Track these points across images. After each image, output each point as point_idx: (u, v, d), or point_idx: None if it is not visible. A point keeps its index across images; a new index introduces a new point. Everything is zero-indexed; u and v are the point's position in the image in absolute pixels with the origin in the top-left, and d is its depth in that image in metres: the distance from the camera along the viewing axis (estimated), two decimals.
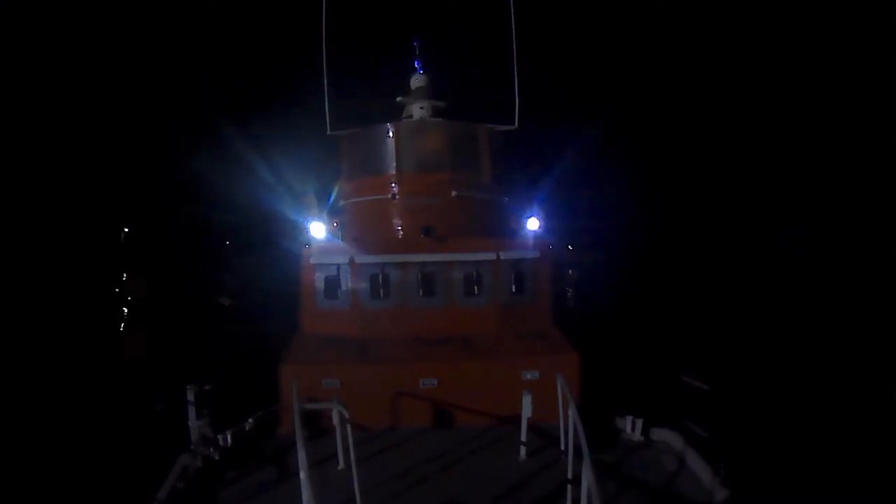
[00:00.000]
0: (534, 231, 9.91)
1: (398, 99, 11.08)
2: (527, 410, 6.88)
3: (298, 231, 10.44)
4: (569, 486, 5.91)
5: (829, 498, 9.75)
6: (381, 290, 8.97)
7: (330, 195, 11.09)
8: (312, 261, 9.29)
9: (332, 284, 9.18)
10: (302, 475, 4.01)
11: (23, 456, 12.36)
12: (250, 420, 8.76)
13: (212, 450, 7.48)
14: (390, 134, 9.90)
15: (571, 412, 5.53)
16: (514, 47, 11.00)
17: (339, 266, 9.08)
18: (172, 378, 7.62)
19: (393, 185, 9.69)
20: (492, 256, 9.00)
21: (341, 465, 6.55)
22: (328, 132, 11.03)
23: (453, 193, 9.60)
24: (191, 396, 7.25)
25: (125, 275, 65.29)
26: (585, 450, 4.56)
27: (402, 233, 9.68)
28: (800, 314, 33.22)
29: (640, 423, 8.17)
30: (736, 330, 28.01)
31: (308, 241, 9.83)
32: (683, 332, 26.49)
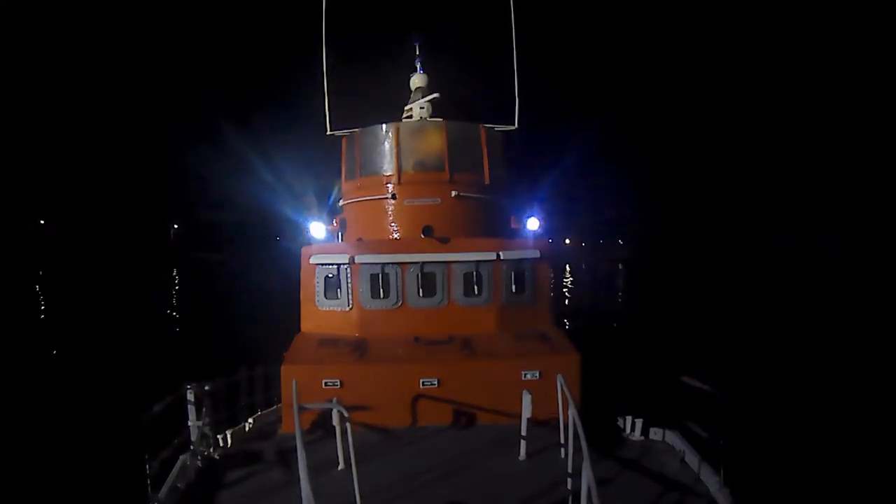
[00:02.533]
0: (534, 231, 9.90)
1: (406, 109, 11.07)
2: (527, 410, 6.87)
3: (298, 231, 10.44)
4: (569, 486, 5.91)
5: (830, 498, 9.75)
6: (381, 290, 8.96)
7: (330, 195, 11.08)
8: (312, 261, 9.29)
9: (332, 284, 9.17)
10: (301, 475, 4.01)
11: (24, 456, 12.37)
12: (250, 420, 8.76)
13: (212, 450, 7.48)
14: (390, 134, 9.89)
15: (571, 412, 5.53)
16: (514, 47, 10.99)
17: (338, 266, 9.07)
18: (172, 378, 7.61)
19: (392, 185, 9.69)
20: (492, 256, 8.99)
21: (341, 466, 6.55)
22: (328, 132, 11.02)
23: (453, 193, 9.59)
24: (191, 396, 7.23)
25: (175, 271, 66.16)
26: (585, 450, 4.56)
27: (401, 233, 9.68)
28: (800, 313, 33.22)
29: (640, 423, 8.18)
30: (736, 329, 28.02)
31: (308, 241, 9.83)
32: (684, 332, 26.50)
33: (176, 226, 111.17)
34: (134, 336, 27.97)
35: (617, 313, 38.94)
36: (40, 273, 64.22)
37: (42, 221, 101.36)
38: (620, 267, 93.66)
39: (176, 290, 51.95)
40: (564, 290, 55.41)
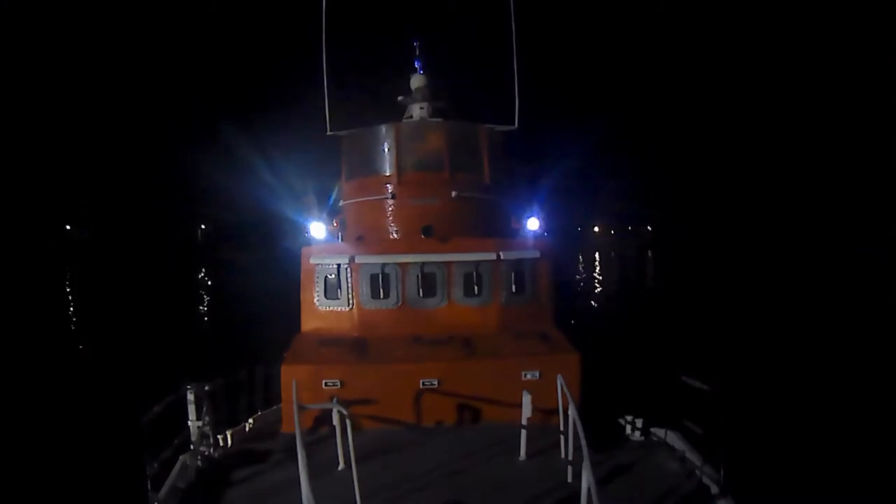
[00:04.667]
0: (534, 231, 9.90)
1: (399, 98, 11.07)
2: (527, 410, 6.88)
3: (298, 231, 10.44)
4: (568, 486, 5.92)
5: (830, 498, 9.75)
6: (381, 290, 8.97)
7: (330, 195, 11.08)
8: (312, 261, 9.29)
9: (332, 284, 9.18)
10: (301, 475, 4.02)
11: (25, 457, 12.37)
12: (250, 420, 8.76)
13: (212, 450, 7.49)
14: (390, 134, 9.89)
15: (571, 412, 5.53)
16: (515, 47, 10.99)
17: (339, 266, 9.08)
18: (172, 378, 7.62)
19: (392, 185, 9.69)
20: (492, 256, 9.00)
21: (342, 466, 6.55)
22: (328, 132, 11.02)
23: (453, 193, 9.59)
24: (191, 396, 7.24)
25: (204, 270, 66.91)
26: (585, 450, 4.56)
27: (401, 233, 9.68)
28: (800, 312, 33.21)
29: (640, 422, 8.18)
30: (737, 329, 28.00)
31: (308, 241, 9.83)
32: (684, 332, 26.49)
33: (203, 226, 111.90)
34: (136, 336, 27.96)
35: (644, 307, 38.59)
36: (68, 277, 64.84)
37: (68, 227, 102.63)
38: (650, 254, 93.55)
39: (201, 292, 52.08)
40: (595, 279, 55.83)
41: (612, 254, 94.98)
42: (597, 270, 67.11)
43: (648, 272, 66.32)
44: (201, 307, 42.37)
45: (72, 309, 42.59)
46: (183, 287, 54.78)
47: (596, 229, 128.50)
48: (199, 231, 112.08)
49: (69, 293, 52.12)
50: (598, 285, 50.36)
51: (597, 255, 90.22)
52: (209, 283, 59.49)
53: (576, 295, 42.23)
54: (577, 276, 56.31)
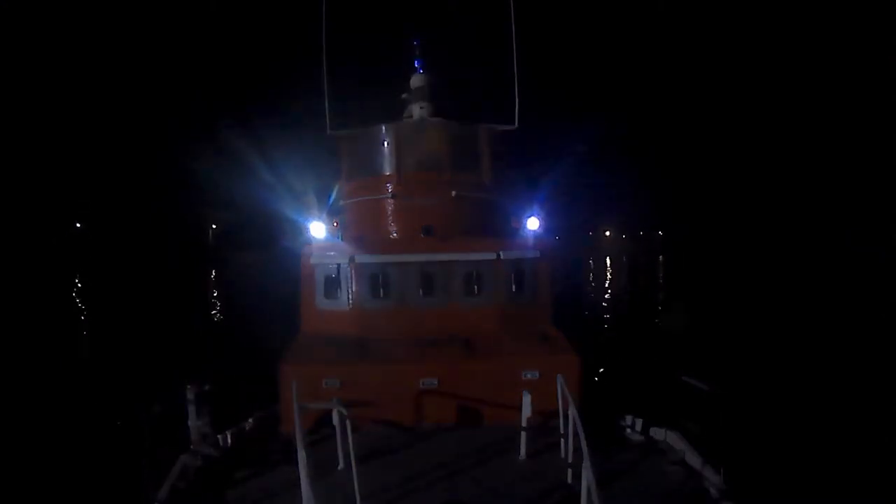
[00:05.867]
0: (534, 231, 9.90)
1: (403, 96, 11.06)
2: (527, 410, 6.88)
3: (298, 231, 10.44)
4: (568, 486, 5.92)
5: (830, 498, 9.75)
6: (381, 290, 8.97)
7: (330, 195, 11.08)
8: (312, 260, 9.30)
9: (332, 284, 9.18)
10: (301, 475, 4.02)
11: (24, 456, 12.37)
12: (250, 420, 8.77)
13: (212, 450, 7.49)
14: (390, 134, 9.89)
15: (571, 412, 5.53)
16: (515, 47, 10.99)
17: (339, 266, 9.08)
18: (172, 378, 7.63)
19: (392, 184, 9.69)
20: (492, 256, 9.00)
21: (341, 465, 6.55)
22: (328, 132, 11.02)
23: (453, 193, 9.60)
24: (191, 396, 7.25)
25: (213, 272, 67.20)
26: (585, 450, 4.56)
27: (401, 233, 9.68)
28: (801, 313, 33.23)
29: (640, 422, 8.18)
30: (738, 329, 28.02)
31: (308, 241, 9.84)
32: (686, 334, 26.49)
33: (214, 226, 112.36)
34: (137, 336, 27.96)
35: (652, 311, 38.60)
36: (77, 275, 64.99)
37: (78, 224, 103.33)
38: (661, 259, 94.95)
39: (208, 293, 52.15)
40: (606, 283, 56.20)
41: (623, 258, 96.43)
42: (608, 276, 67.55)
43: (659, 278, 66.64)
44: (208, 307, 42.34)
45: (81, 305, 42.67)
46: (186, 287, 54.83)
47: (607, 234, 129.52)
48: (211, 231, 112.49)
49: (75, 292, 52.14)
50: (608, 290, 50.41)
51: (608, 260, 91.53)
52: (218, 283, 59.62)
53: (584, 297, 42.27)
54: (589, 279, 56.52)
